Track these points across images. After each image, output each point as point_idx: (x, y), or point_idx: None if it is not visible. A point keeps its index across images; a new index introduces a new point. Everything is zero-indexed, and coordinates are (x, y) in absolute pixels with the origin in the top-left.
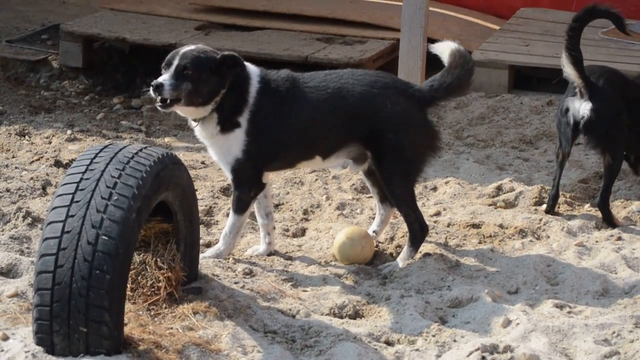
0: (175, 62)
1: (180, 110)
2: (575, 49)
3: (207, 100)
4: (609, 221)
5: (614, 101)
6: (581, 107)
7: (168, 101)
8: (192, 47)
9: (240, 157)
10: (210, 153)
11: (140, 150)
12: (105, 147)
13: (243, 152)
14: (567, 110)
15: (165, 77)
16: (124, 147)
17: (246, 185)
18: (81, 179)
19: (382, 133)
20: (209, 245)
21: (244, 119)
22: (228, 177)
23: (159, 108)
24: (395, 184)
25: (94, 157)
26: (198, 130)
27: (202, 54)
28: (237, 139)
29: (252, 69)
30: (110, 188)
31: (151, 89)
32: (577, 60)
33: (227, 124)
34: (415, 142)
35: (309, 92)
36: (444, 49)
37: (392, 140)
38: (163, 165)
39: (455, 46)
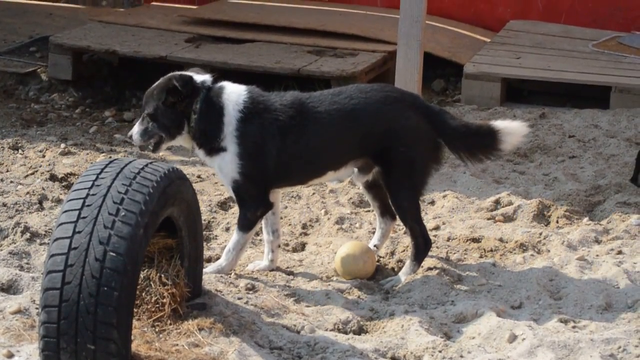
0: (143, 107)
1: (170, 144)
2: None
3: (177, 131)
4: None
5: None
6: None
7: (153, 146)
8: (159, 81)
9: (239, 179)
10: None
11: (146, 165)
12: (111, 162)
13: (240, 174)
14: None
15: (135, 127)
16: (130, 162)
17: (252, 205)
18: (87, 194)
19: (394, 147)
20: (208, 260)
21: (230, 144)
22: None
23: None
24: (403, 197)
25: (100, 173)
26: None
27: (155, 90)
28: (227, 162)
29: (233, 92)
30: (117, 204)
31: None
32: None
33: (208, 148)
34: (423, 154)
35: (320, 118)
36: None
37: (403, 153)
38: (169, 181)
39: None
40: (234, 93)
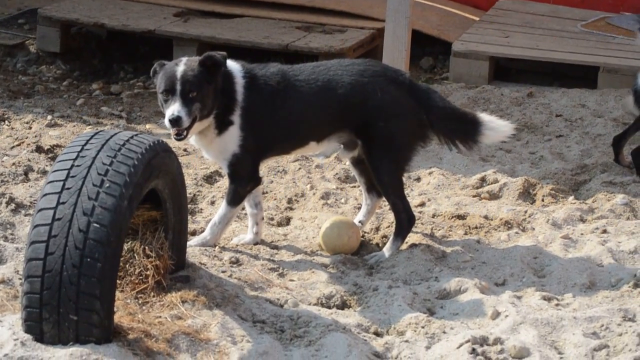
0: (179, 88)
1: (192, 132)
2: None
3: (211, 110)
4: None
5: None
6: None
7: (185, 132)
8: (183, 64)
9: (238, 152)
10: (206, 155)
11: (132, 137)
12: (96, 133)
13: (240, 146)
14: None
15: (177, 108)
16: (115, 134)
17: (244, 179)
18: (72, 165)
19: (373, 121)
20: (193, 233)
21: (236, 116)
22: (225, 172)
23: (175, 140)
24: (384, 172)
25: (85, 144)
26: (195, 139)
27: (194, 69)
28: (232, 136)
29: (233, 65)
30: (101, 175)
31: (168, 123)
32: None
33: (222, 126)
34: (405, 130)
35: (299, 85)
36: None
37: (382, 128)
38: (154, 153)
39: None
40: (235, 67)
